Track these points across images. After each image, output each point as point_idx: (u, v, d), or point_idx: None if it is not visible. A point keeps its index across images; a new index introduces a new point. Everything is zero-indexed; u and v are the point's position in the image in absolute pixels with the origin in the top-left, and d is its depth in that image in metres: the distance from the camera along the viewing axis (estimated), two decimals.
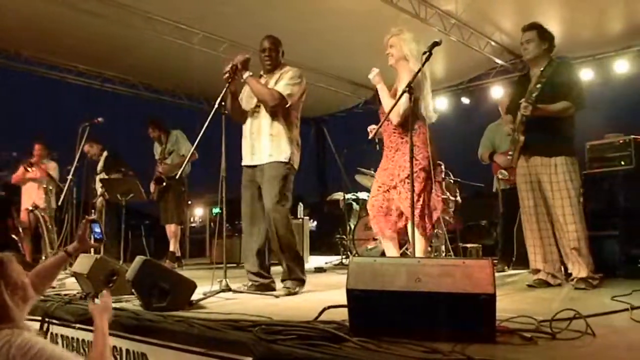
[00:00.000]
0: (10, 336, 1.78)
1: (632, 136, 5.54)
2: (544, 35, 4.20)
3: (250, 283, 4.16)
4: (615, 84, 8.79)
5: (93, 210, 7.05)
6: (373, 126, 4.08)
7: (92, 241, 2.90)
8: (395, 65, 4.14)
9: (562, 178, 4.03)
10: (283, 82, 4.15)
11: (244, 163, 4.33)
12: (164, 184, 6.94)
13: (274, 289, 4.13)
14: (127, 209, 6.43)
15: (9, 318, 1.84)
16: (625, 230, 5.06)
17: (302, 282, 4.12)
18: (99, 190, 7.07)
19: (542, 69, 4.10)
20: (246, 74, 4.11)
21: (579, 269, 4.01)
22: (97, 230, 2.92)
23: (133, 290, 3.43)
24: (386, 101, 4.05)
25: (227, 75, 4.06)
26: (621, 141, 5.60)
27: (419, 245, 3.84)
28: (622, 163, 5.51)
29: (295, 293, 3.97)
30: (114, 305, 3.27)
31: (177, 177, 6.22)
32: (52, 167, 7.43)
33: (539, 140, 4.08)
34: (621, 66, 8.36)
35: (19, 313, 1.89)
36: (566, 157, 4.07)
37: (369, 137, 3.87)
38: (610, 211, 5.37)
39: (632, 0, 6.97)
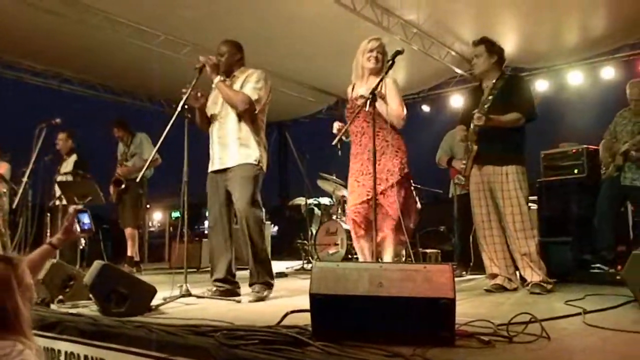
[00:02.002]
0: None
1: (585, 146, 5.74)
2: (492, 49, 4.33)
3: (214, 289, 4.10)
4: (570, 94, 9.07)
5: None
6: (338, 124, 4.09)
7: (80, 232, 2.80)
8: (376, 72, 4.10)
9: (513, 187, 4.14)
10: (250, 86, 4.09)
11: (211, 169, 4.24)
12: (123, 186, 6.81)
13: (238, 294, 4.09)
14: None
15: (20, 327, 1.71)
16: (577, 237, 5.22)
17: (270, 286, 4.07)
18: (57, 192, 6.87)
19: (494, 81, 4.23)
20: (216, 79, 4.06)
21: (532, 273, 4.11)
22: (86, 220, 2.81)
23: (91, 295, 3.37)
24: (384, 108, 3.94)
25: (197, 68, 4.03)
26: (574, 150, 5.80)
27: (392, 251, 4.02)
28: (575, 171, 5.70)
29: (264, 298, 3.93)
30: (70, 311, 3.21)
31: (137, 180, 6.11)
32: (4, 168, 7.16)
33: (492, 150, 4.19)
34: (575, 77, 8.63)
35: (28, 318, 1.78)
36: (517, 166, 4.18)
37: (333, 142, 3.87)
38: (564, 218, 5.55)
39: (587, 13, 7.22)
